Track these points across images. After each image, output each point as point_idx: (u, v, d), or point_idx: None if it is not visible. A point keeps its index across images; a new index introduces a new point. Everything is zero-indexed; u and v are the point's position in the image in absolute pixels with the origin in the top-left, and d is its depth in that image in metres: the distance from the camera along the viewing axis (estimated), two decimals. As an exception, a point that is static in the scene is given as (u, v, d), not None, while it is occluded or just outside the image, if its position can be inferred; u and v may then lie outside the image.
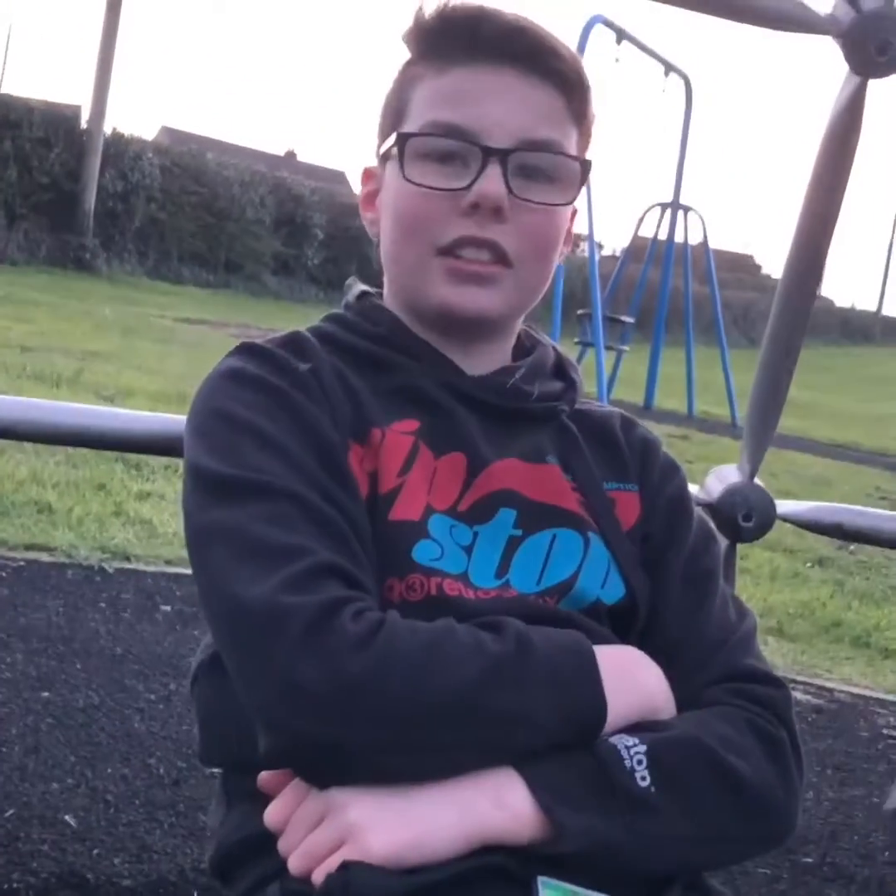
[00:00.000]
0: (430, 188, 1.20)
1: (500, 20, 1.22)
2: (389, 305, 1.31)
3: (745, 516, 2.14)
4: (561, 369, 1.35)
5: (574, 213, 1.32)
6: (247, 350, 1.22)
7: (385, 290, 1.33)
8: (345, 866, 0.98)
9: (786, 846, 2.46)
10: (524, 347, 1.34)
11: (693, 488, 2.19)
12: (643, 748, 1.08)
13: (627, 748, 1.08)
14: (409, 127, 1.23)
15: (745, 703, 1.19)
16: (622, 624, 1.25)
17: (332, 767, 1.02)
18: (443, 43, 1.23)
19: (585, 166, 1.25)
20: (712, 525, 1.38)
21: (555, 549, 1.22)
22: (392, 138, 1.23)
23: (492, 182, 1.18)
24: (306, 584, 1.03)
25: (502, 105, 1.20)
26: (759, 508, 2.14)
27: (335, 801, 1.01)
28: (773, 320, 2.15)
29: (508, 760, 1.04)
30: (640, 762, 1.07)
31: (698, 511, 1.37)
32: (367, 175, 1.33)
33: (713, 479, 2.26)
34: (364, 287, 1.37)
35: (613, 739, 1.09)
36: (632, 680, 1.12)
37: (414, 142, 1.21)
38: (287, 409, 1.15)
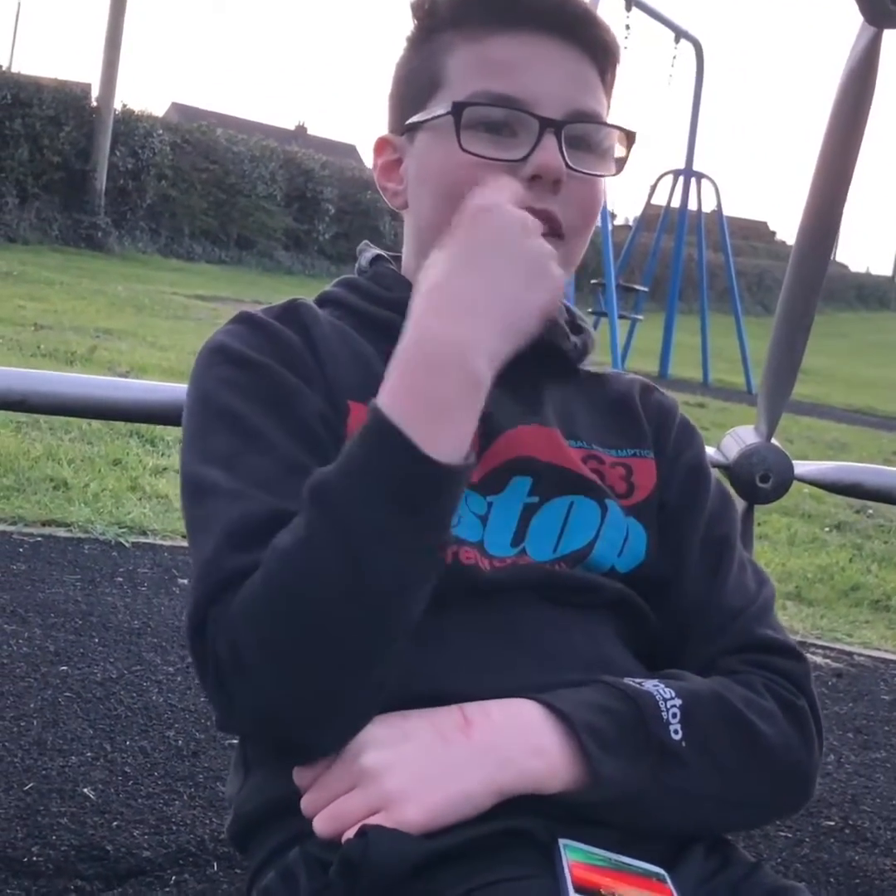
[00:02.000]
0: (490, 159, 1.17)
1: None
2: (407, 272, 1.29)
3: (763, 477, 2.11)
4: (575, 325, 1.33)
5: None
6: (239, 320, 1.22)
7: (405, 258, 1.31)
8: (363, 831, 0.98)
9: (807, 810, 2.46)
10: None
11: (709, 450, 2.17)
12: (678, 702, 1.08)
13: (665, 700, 1.08)
14: (451, 95, 1.19)
15: (764, 672, 1.18)
16: (638, 588, 1.24)
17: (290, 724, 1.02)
18: (480, 10, 1.19)
19: (631, 138, 1.23)
20: (727, 490, 1.36)
21: (572, 517, 1.21)
22: (438, 108, 1.19)
23: (551, 153, 1.16)
24: (202, 613, 1.03)
25: (550, 75, 1.18)
26: (776, 469, 2.12)
27: (369, 768, 1.00)
28: (789, 278, 2.12)
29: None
30: (674, 715, 1.07)
31: (715, 475, 1.35)
32: (384, 144, 1.29)
33: (730, 440, 2.23)
34: (377, 251, 1.35)
35: (651, 689, 1.09)
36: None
37: (467, 112, 1.17)
38: (267, 387, 1.15)
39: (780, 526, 5.59)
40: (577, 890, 0.94)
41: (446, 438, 0.98)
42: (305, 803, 1.03)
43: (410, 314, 1.02)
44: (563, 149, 1.16)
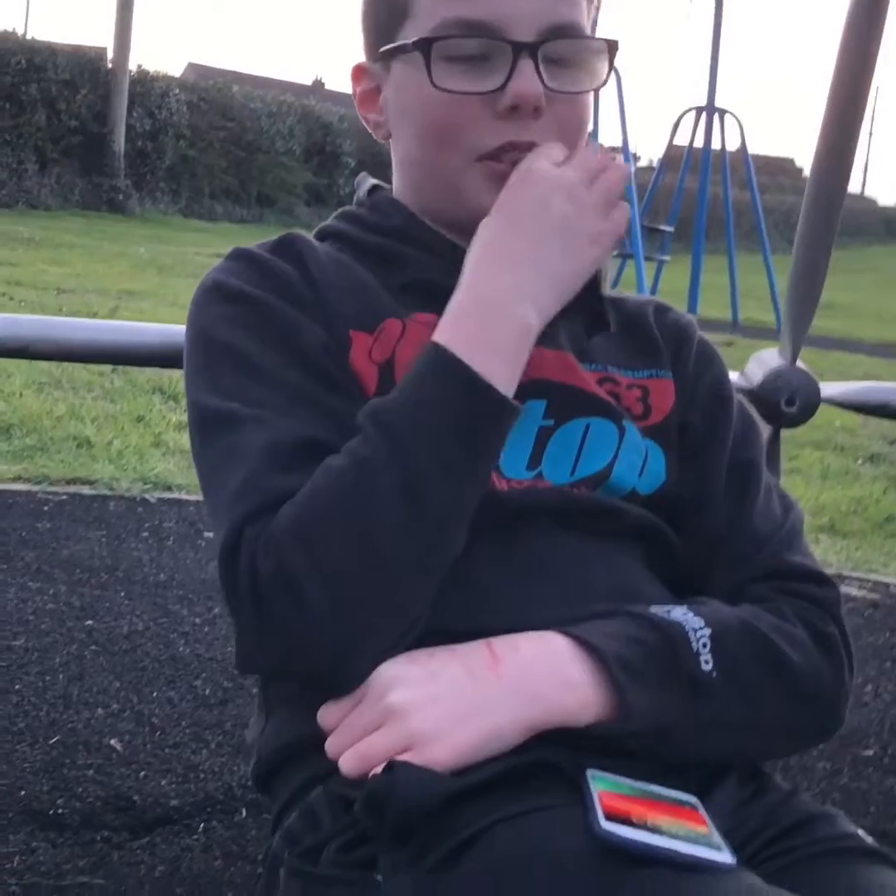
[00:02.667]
0: (461, 93, 1.12)
1: None
2: (402, 197, 1.25)
3: (788, 401, 2.06)
4: None
5: None
6: (233, 256, 1.20)
7: (396, 189, 1.27)
8: (390, 767, 0.95)
9: (845, 739, 2.43)
10: None
11: (733, 376, 2.12)
12: (708, 632, 1.05)
13: (694, 631, 1.05)
14: (419, 24, 1.14)
15: (793, 599, 1.15)
16: (661, 514, 1.21)
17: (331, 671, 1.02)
18: None
19: (612, 46, 1.17)
20: (751, 414, 1.31)
21: (589, 439, 1.17)
22: (408, 42, 1.14)
23: (527, 79, 1.11)
24: (242, 528, 1.01)
25: None
26: (802, 392, 2.06)
27: (397, 707, 0.98)
28: (808, 198, 2.06)
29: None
30: (704, 646, 1.05)
31: (739, 398, 1.31)
32: (360, 73, 1.25)
33: (754, 364, 2.18)
34: (375, 181, 1.32)
35: (680, 619, 1.06)
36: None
37: (438, 46, 1.13)
38: (266, 320, 1.13)
39: (813, 459, 5.54)
40: (607, 818, 0.91)
41: (499, 378, 1.03)
42: (331, 744, 1.01)
43: (464, 268, 1.09)
44: (541, 71, 1.11)
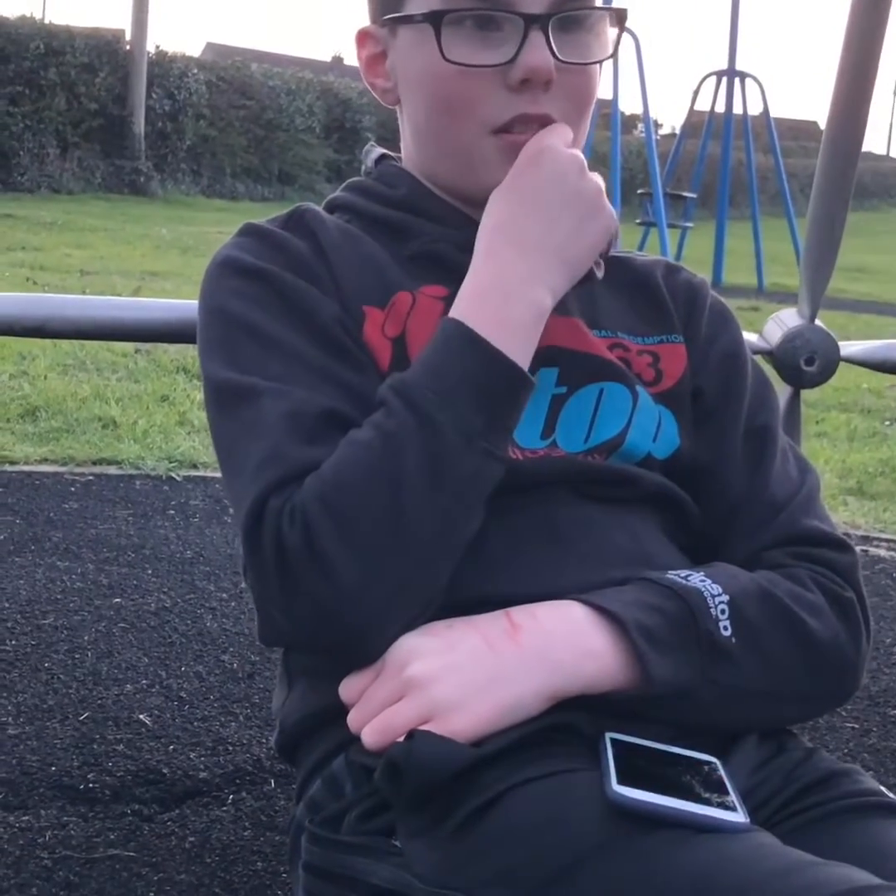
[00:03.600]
0: (473, 67, 1.11)
1: None
2: (410, 165, 1.25)
3: (808, 360, 2.04)
4: None
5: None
6: (244, 231, 1.20)
7: (405, 156, 1.27)
8: (410, 735, 0.96)
9: (873, 700, 2.42)
10: None
11: (752, 337, 2.11)
12: (726, 598, 1.06)
13: (713, 597, 1.05)
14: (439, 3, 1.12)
15: (811, 565, 1.15)
16: (676, 479, 1.20)
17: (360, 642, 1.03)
18: None
19: (621, 15, 1.17)
20: (767, 376, 1.31)
21: (603, 404, 1.17)
22: (418, 14, 1.13)
23: (538, 52, 1.10)
24: (267, 498, 1.02)
25: None
26: (821, 351, 2.05)
27: (417, 678, 0.99)
28: (824, 152, 2.04)
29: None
30: (723, 612, 1.05)
31: (753, 361, 1.30)
32: (365, 37, 1.23)
33: (772, 324, 2.16)
34: (382, 150, 1.31)
35: (698, 585, 1.06)
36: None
37: (450, 18, 1.11)
38: (279, 294, 1.13)
39: (840, 422, 5.50)
40: (620, 782, 0.92)
41: (517, 355, 1.05)
42: (352, 717, 1.02)
43: (477, 247, 1.10)
44: (552, 42, 1.10)
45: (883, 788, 1.09)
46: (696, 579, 1.08)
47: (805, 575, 1.14)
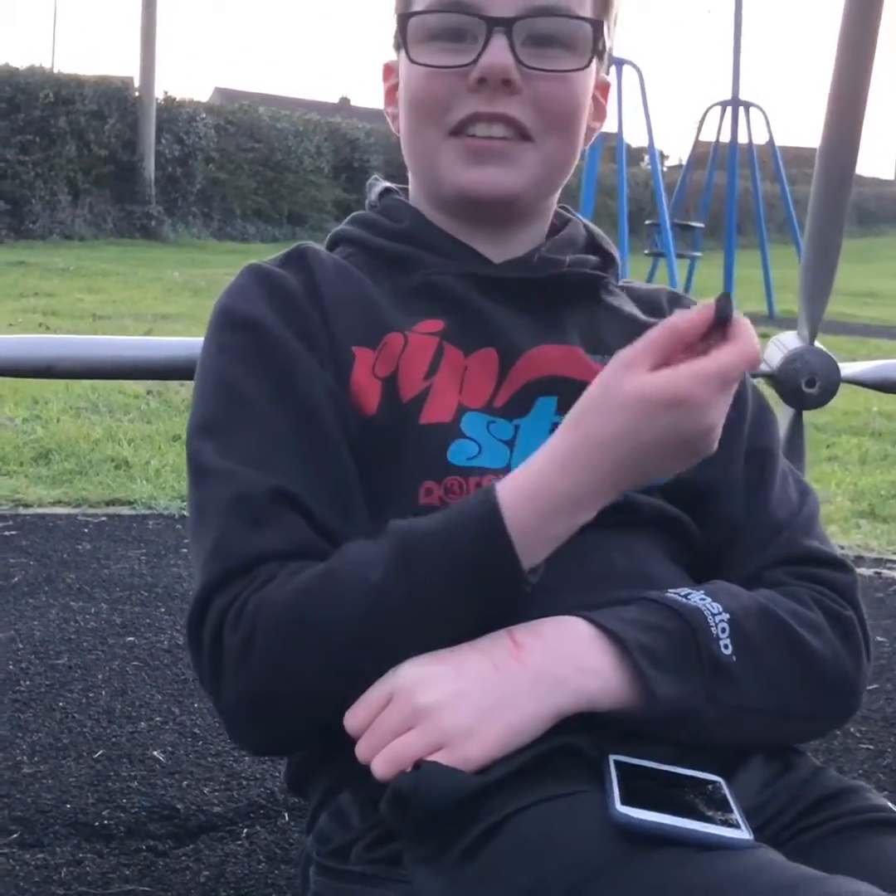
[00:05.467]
0: (435, 67, 1.15)
1: None
2: (414, 201, 1.27)
3: (808, 382, 2.05)
4: (594, 244, 1.29)
5: (607, 86, 1.26)
6: (243, 272, 1.22)
7: (410, 186, 1.29)
8: (416, 765, 0.96)
9: (889, 721, 2.41)
10: (556, 229, 1.29)
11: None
12: (727, 616, 1.06)
13: (713, 615, 1.05)
14: (416, 7, 1.18)
15: (811, 584, 1.16)
16: (677, 502, 1.21)
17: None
18: None
19: (597, 27, 1.18)
20: (766, 400, 1.32)
21: None
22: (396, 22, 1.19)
23: (497, 53, 1.12)
24: (211, 595, 1.04)
25: None
26: (821, 372, 2.05)
27: (426, 708, 0.98)
28: (818, 175, 2.06)
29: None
30: (723, 630, 1.05)
31: (752, 386, 1.31)
32: (387, 71, 1.28)
33: (772, 348, 2.18)
34: (386, 184, 1.34)
35: (698, 604, 1.06)
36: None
37: (415, 22, 1.17)
38: (262, 351, 1.14)
39: (851, 446, 5.49)
40: (624, 803, 0.92)
41: (533, 558, 1.01)
42: (361, 748, 1.01)
43: (570, 430, 1.03)
44: (515, 47, 1.13)
45: (891, 804, 1.08)
46: (696, 598, 1.08)
47: (805, 594, 1.15)
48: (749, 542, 1.20)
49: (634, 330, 1.26)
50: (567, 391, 1.17)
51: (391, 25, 1.25)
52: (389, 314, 1.18)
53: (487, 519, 0.99)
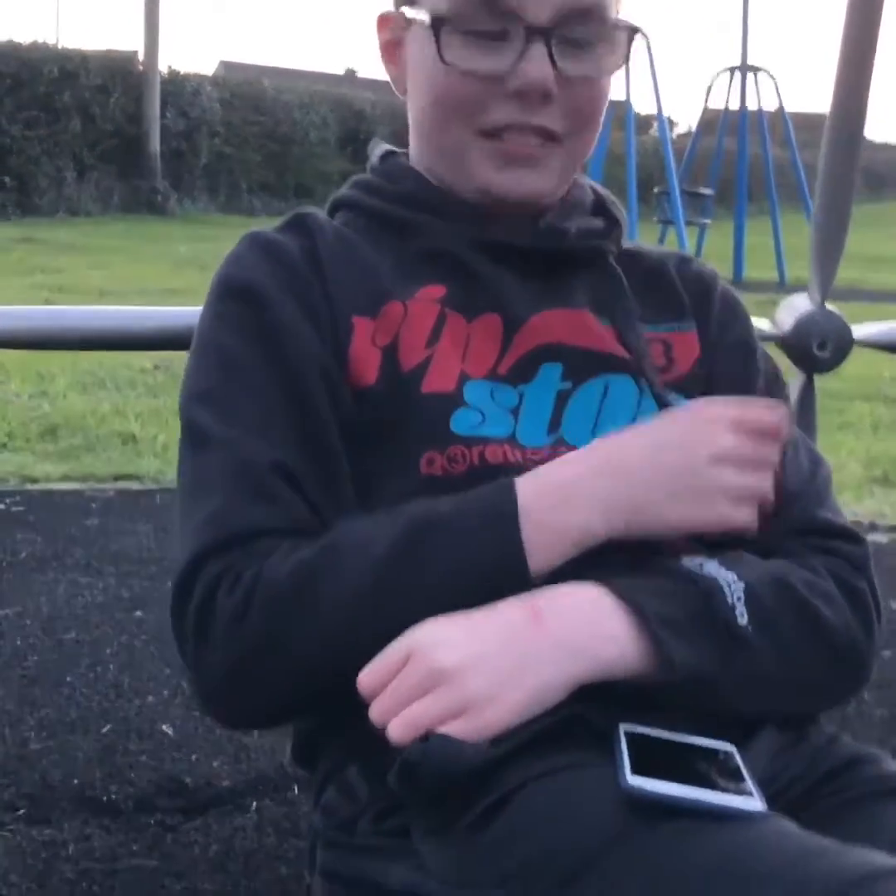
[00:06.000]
0: (471, 73, 1.10)
1: None
2: (415, 163, 1.24)
3: (820, 345, 2.02)
4: (601, 207, 1.27)
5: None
6: (245, 240, 1.20)
7: (412, 151, 1.26)
8: (425, 736, 0.94)
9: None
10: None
11: (763, 324, 2.09)
12: (742, 585, 1.04)
13: (728, 584, 1.04)
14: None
15: (824, 556, 1.14)
16: None
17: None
18: None
19: (632, 32, 1.14)
20: (778, 368, 1.30)
21: (608, 397, 1.16)
22: (423, 15, 1.12)
23: (537, 65, 1.08)
24: (202, 565, 1.02)
25: None
26: (833, 335, 2.02)
27: (447, 671, 0.95)
28: (827, 138, 2.02)
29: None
30: (739, 599, 1.03)
31: (765, 354, 1.29)
32: (384, 22, 1.22)
33: (783, 311, 2.14)
34: (388, 147, 1.31)
35: (713, 573, 1.04)
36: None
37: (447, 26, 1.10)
38: (259, 321, 1.12)
39: (863, 412, 5.46)
40: (635, 772, 0.90)
41: (539, 557, 1.00)
42: (377, 710, 0.97)
43: (602, 447, 1.05)
44: (554, 56, 1.08)
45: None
46: (712, 567, 1.06)
47: (819, 564, 1.13)
48: (762, 511, 1.18)
49: (642, 293, 1.24)
50: (572, 358, 1.15)
51: None
52: (389, 281, 1.16)
53: (501, 505, 0.99)
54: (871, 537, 3.54)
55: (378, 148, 1.31)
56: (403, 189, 1.22)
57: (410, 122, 1.24)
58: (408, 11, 1.16)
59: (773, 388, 1.26)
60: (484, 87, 1.11)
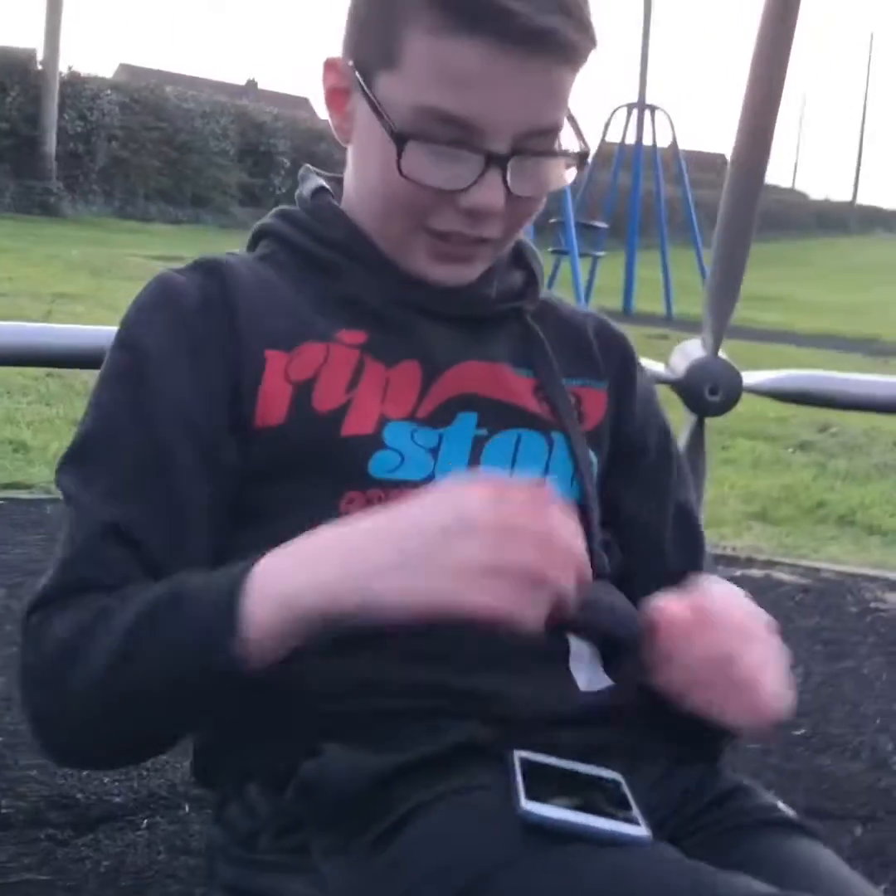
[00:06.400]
0: (428, 187, 1.11)
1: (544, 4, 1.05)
2: (348, 208, 1.23)
3: (712, 390, 2.12)
4: (520, 257, 1.30)
5: None
6: (151, 283, 1.19)
7: (346, 193, 1.25)
8: (319, 752, 0.98)
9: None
10: None
11: (658, 367, 2.17)
12: None
13: None
14: (402, 87, 1.09)
15: None
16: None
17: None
18: (473, 7, 1.04)
19: (583, 156, 1.18)
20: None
21: (520, 450, 1.19)
22: (386, 125, 1.10)
23: (493, 192, 1.10)
24: (33, 607, 1.07)
25: (505, 91, 1.07)
26: (724, 381, 2.12)
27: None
28: (727, 190, 2.11)
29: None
30: None
31: (672, 439, 1.36)
32: (332, 68, 1.19)
33: (677, 355, 2.23)
34: (320, 182, 1.28)
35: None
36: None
37: (411, 143, 1.10)
38: (143, 377, 1.12)
39: (745, 448, 5.63)
40: (528, 798, 0.95)
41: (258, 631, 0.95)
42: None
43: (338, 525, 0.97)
44: (508, 180, 1.11)
45: (781, 804, 1.13)
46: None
47: None
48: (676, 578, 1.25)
49: (555, 346, 1.29)
50: (487, 408, 1.18)
51: (346, 24, 1.18)
52: (309, 321, 1.17)
53: (239, 572, 0.97)
54: (748, 572, 3.65)
55: (309, 180, 1.29)
56: (334, 236, 1.22)
57: (352, 169, 1.23)
58: (360, 78, 1.14)
59: (684, 472, 1.35)
60: (436, 198, 1.12)
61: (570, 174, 1.17)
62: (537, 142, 1.11)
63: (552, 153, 1.14)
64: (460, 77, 1.06)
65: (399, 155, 1.10)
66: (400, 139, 1.09)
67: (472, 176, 1.10)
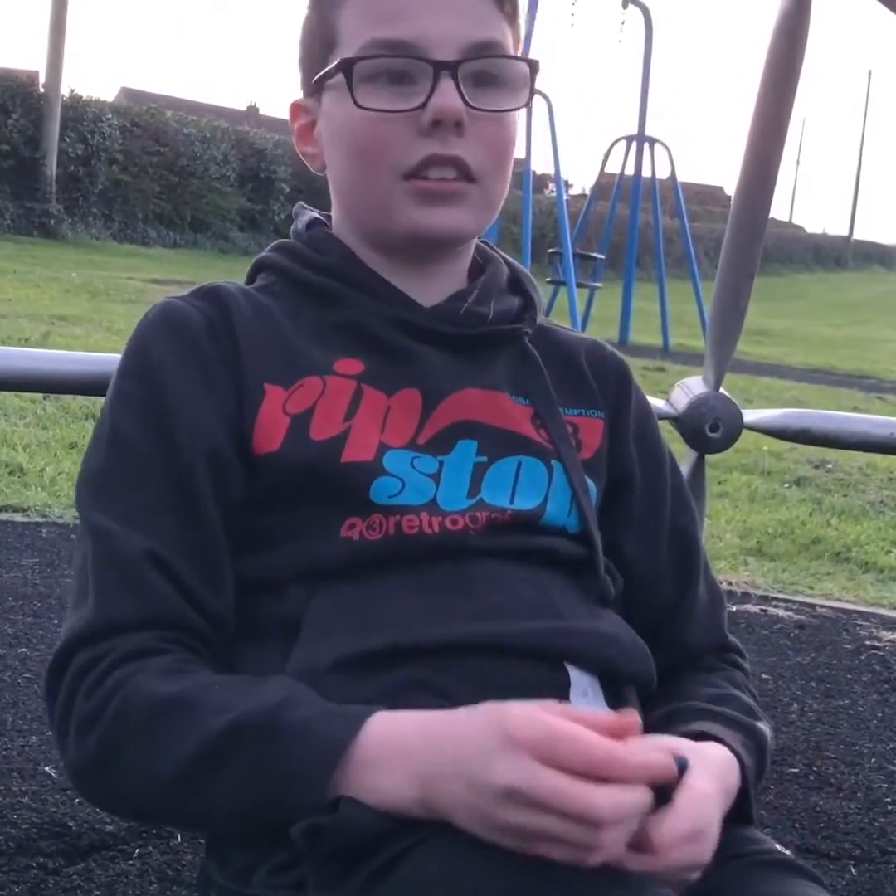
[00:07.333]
0: (386, 111, 1.15)
1: None
2: (340, 234, 1.27)
3: (712, 427, 2.12)
4: (516, 283, 1.31)
5: None
6: (156, 311, 1.20)
7: (335, 220, 1.29)
8: (336, 801, 0.97)
9: (771, 757, 2.47)
10: (478, 265, 1.31)
11: (659, 403, 2.17)
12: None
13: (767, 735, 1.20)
14: (345, 51, 1.18)
15: (735, 671, 1.29)
16: (589, 546, 1.24)
17: None
18: None
19: (533, 66, 1.21)
20: (682, 475, 1.39)
21: (521, 476, 1.20)
22: (332, 66, 1.18)
23: (448, 96, 1.14)
24: (68, 658, 1.06)
25: (441, 13, 1.16)
26: (725, 418, 2.13)
27: None
28: (731, 226, 2.12)
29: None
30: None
31: (673, 459, 1.37)
32: (297, 109, 1.28)
33: (678, 391, 2.24)
34: (314, 214, 1.33)
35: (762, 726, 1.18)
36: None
37: (360, 66, 1.16)
38: (156, 405, 1.14)
39: (741, 483, 5.63)
40: None
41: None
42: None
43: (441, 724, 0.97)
44: (462, 89, 1.15)
45: (778, 846, 1.13)
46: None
47: (740, 679, 1.27)
48: (686, 623, 1.29)
49: (553, 375, 1.29)
50: (487, 436, 1.19)
51: (299, 64, 1.26)
52: (307, 354, 1.18)
53: (330, 745, 0.97)
54: (744, 607, 3.65)
55: (303, 215, 1.33)
56: (329, 261, 1.24)
57: (333, 191, 1.27)
58: (317, 78, 1.22)
59: (683, 496, 1.35)
60: (401, 127, 1.15)
61: (524, 95, 1.21)
62: (483, 58, 1.17)
63: (498, 55, 1.18)
64: (389, 10, 1.16)
65: (351, 87, 1.16)
66: (347, 66, 1.16)
67: (426, 89, 1.14)
